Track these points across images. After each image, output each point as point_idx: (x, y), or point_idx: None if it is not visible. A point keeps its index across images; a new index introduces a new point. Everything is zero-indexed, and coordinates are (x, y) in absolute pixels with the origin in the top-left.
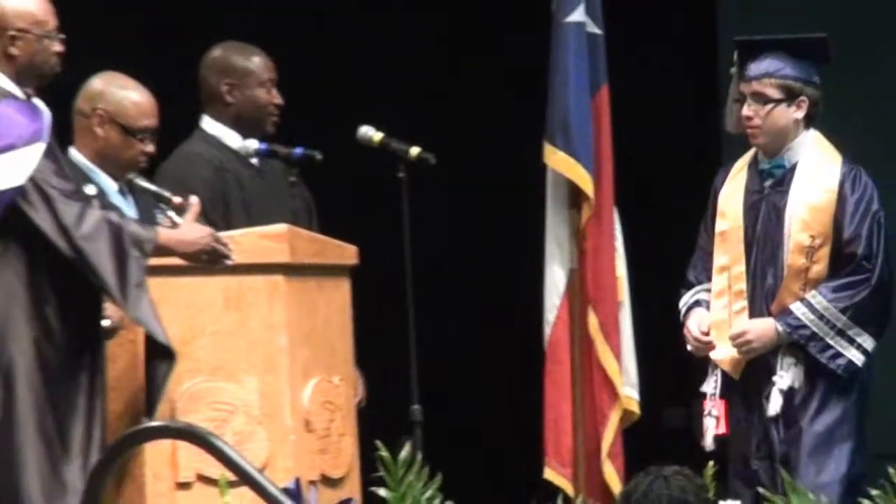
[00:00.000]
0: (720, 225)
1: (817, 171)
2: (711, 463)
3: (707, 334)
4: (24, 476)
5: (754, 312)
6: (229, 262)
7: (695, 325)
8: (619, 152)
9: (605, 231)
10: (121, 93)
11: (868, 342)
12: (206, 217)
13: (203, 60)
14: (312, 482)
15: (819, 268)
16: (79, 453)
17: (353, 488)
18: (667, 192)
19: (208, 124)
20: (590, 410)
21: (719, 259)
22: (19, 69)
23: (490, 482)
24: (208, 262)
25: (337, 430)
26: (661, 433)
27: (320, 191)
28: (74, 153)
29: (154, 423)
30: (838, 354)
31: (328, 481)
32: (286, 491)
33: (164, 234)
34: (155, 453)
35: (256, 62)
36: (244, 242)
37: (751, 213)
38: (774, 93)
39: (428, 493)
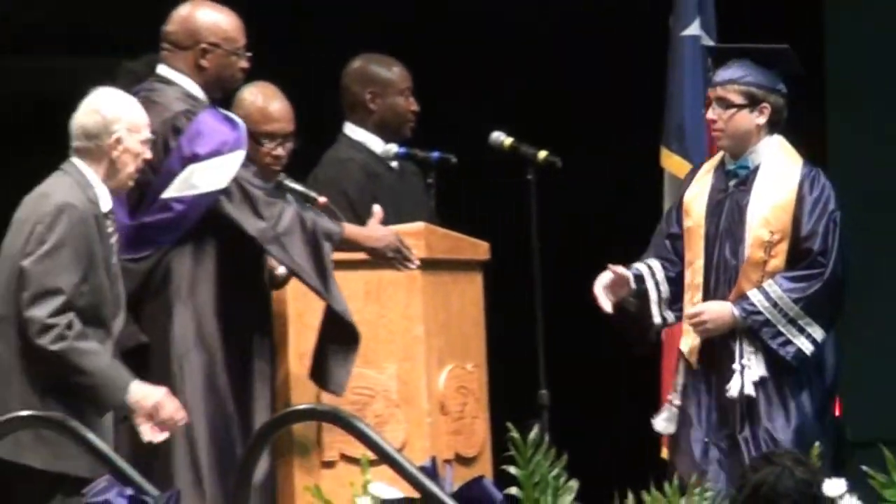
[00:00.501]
0: (685, 222)
1: (779, 172)
2: (817, 444)
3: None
4: (200, 455)
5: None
6: (412, 266)
7: (598, 281)
8: None
9: None
10: (249, 99)
11: (818, 333)
12: (357, 217)
13: (346, 71)
14: (447, 461)
15: (776, 262)
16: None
17: (484, 467)
18: None
19: (351, 130)
20: None
21: (686, 255)
22: (207, 80)
23: (612, 461)
24: (392, 259)
25: (470, 412)
26: None
27: (456, 192)
28: None
29: (301, 407)
30: (788, 342)
31: (462, 460)
32: (423, 469)
33: (350, 228)
34: (302, 435)
35: (396, 72)
36: None
37: (715, 211)
38: (737, 98)
39: (555, 472)
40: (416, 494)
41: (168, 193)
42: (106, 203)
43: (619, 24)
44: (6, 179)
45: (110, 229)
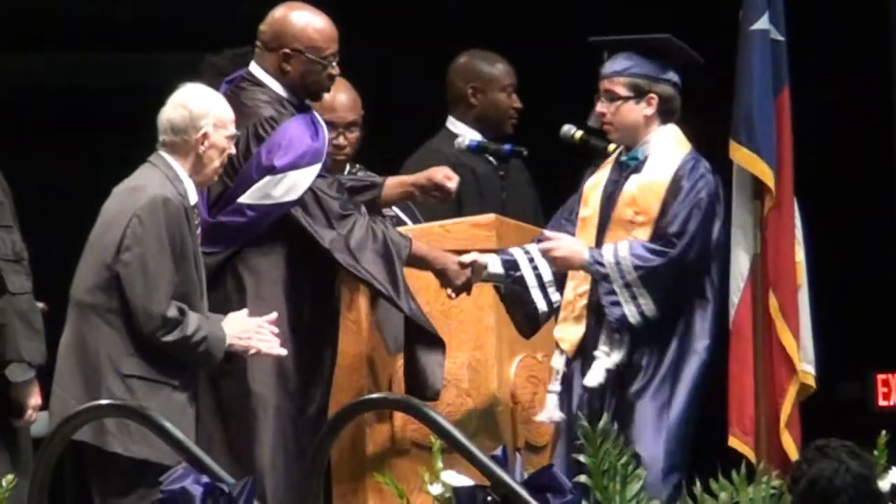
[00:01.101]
0: (582, 211)
1: (662, 160)
2: (884, 432)
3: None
4: (263, 452)
5: (595, 294)
6: (467, 293)
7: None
8: (801, 148)
9: (785, 220)
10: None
11: (649, 308)
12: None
13: (451, 66)
14: (518, 449)
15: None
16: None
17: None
18: (843, 185)
19: (452, 124)
20: (770, 384)
21: None
22: (292, 84)
23: None
24: (449, 281)
25: (540, 401)
26: (834, 405)
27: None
28: None
29: (374, 396)
30: (617, 304)
31: (532, 448)
32: (493, 458)
33: (419, 245)
34: (374, 423)
35: (500, 69)
36: (455, 231)
37: (607, 203)
38: (622, 90)
39: (623, 459)
40: (486, 482)
41: (243, 199)
42: (193, 196)
43: (689, 18)
44: (92, 170)
45: (196, 221)
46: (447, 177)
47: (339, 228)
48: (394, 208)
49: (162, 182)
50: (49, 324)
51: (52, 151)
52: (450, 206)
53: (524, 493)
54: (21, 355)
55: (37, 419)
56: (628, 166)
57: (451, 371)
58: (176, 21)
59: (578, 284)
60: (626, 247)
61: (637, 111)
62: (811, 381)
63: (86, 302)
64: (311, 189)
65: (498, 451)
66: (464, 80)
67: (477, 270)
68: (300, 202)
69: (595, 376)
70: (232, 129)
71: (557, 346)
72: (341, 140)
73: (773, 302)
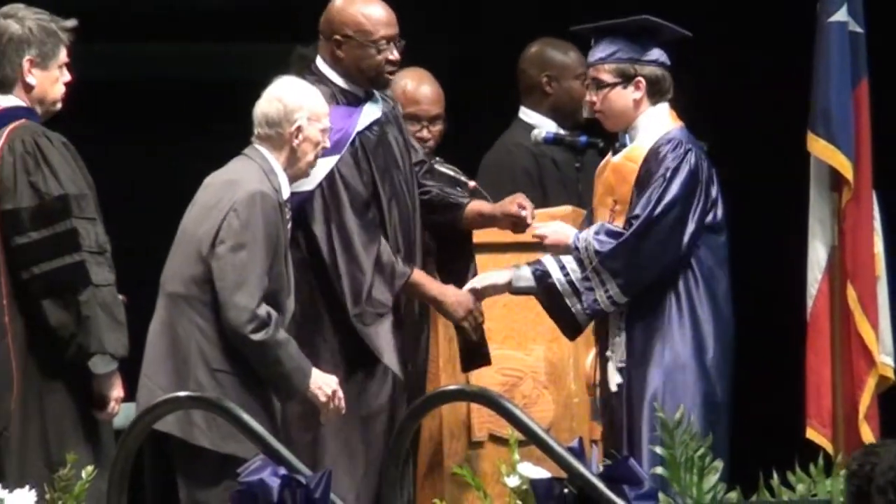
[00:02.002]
0: (593, 204)
1: (643, 143)
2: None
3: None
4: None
5: None
6: (473, 337)
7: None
8: (879, 139)
9: (863, 212)
10: (399, 83)
11: (616, 293)
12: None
13: (523, 55)
14: (594, 441)
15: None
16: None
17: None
18: None
19: (525, 114)
20: (848, 376)
21: None
22: (347, 71)
23: (756, 440)
24: (447, 314)
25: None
26: None
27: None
28: None
29: (451, 387)
30: (590, 289)
31: None
32: (570, 450)
33: (420, 274)
34: (452, 415)
35: (573, 57)
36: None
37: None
38: (609, 77)
39: (700, 451)
40: (563, 474)
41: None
42: (286, 191)
43: (771, 10)
44: (190, 162)
45: (288, 216)
46: (521, 205)
47: (333, 230)
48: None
49: (259, 176)
50: (129, 315)
51: (138, 143)
52: (534, 196)
53: (601, 484)
54: (104, 347)
55: (119, 411)
56: (619, 152)
57: (528, 363)
58: (266, 12)
59: None
60: (591, 230)
61: (625, 96)
62: (890, 373)
63: (178, 293)
64: (331, 183)
65: (574, 443)
66: (537, 68)
67: (481, 293)
68: (321, 189)
69: (613, 379)
70: (326, 123)
71: None
72: (425, 133)
73: (851, 294)
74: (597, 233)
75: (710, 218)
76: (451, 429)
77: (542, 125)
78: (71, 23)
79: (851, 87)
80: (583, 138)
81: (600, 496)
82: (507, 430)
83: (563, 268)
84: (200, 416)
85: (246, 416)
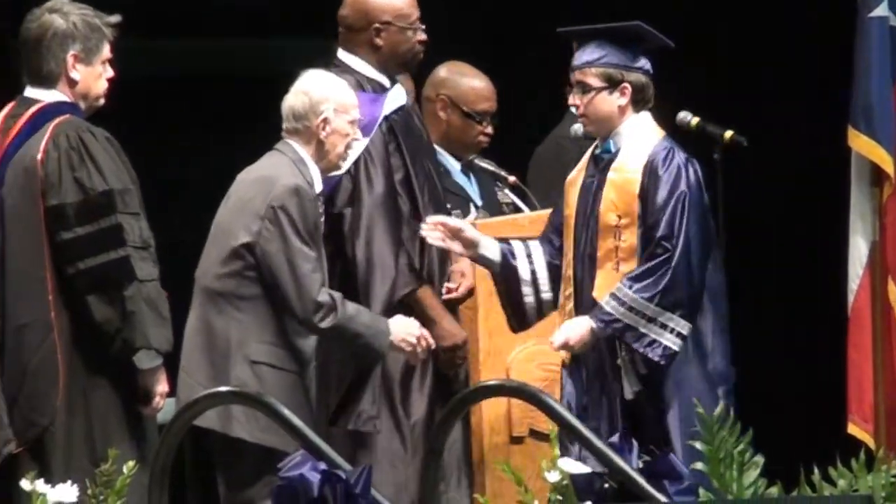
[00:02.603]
0: (565, 211)
1: (635, 152)
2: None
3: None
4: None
5: (580, 296)
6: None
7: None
8: None
9: None
10: (462, 80)
11: (682, 326)
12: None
13: None
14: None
15: (627, 246)
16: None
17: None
18: None
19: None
20: (889, 371)
21: (563, 244)
22: (384, 59)
23: (797, 437)
24: (443, 348)
25: None
26: None
27: None
28: None
29: (491, 382)
30: (654, 342)
31: None
32: (610, 444)
33: (425, 292)
34: (492, 410)
35: None
36: None
37: (583, 199)
38: (595, 81)
39: (740, 447)
40: (603, 469)
41: None
42: (318, 184)
43: (808, 5)
44: (223, 157)
45: (321, 210)
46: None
47: (352, 220)
48: (510, 195)
49: (292, 170)
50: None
51: (179, 138)
52: None
53: (641, 479)
54: (149, 342)
55: (164, 406)
56: (602, 159)
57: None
58: (301, 7)
59: (565, 287)
60: (624, 288)
61: (610, 101)
62: None
63: (214, 288)
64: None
65: (614, 438)
66: None
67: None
68: (349, 175)
69: (627, 387)
70: (355, 114)
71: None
72: (490, 129)
73: (892, 288)
74: (631, 286)
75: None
76: (492, 424)
77: None
78: (115, 18)
79: (893, 82)
80: None
81: (640, 491)
82: (548, 426)
83: (529, 255)
84: (239, 408)
85: (286, 411)
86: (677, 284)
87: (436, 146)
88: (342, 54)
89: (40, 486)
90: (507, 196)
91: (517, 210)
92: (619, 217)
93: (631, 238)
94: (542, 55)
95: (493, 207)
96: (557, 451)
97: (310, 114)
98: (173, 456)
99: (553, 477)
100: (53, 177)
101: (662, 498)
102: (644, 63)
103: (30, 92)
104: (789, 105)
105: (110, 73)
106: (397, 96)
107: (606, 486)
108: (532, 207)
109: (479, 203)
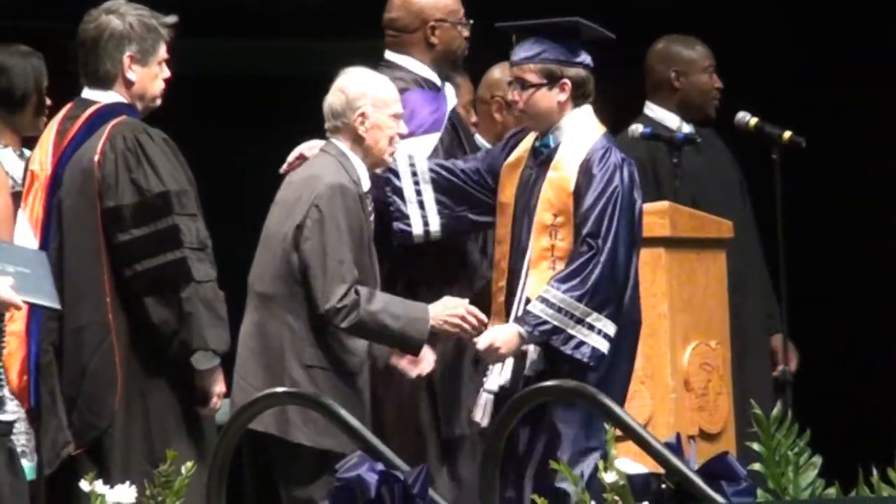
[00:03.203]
0: (500, 195)
1: (573, 149)
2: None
3: None
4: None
5: (511, 291)
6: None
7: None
8: None
9: None
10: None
11: (608, 327)
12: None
13: (650, 52)
14: (691, 437)
15: (564, 245)
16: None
17: (728, 442)
18: None
19: (650, 109)
20: None
21: (497, 230)
22: (437, 57)
23: (855, 435)
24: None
25: (714, 389)
26: None
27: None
28: (478, 138)
29: (548, 384)
30: (582, 343)
31: (706, 436)
32: (668, 445)
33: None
34: None
35: (699, 51)
36: None
37: (522, 191)
38: (534, 77)
39: (797, 448)
40: (660, 470)
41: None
42: (366, 182)
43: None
44: (260, 158)
45: (370, 208)
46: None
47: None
48: None
49: (336, 169)
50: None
51: (237, 138)
52: (648, 190)
53: (699, 480)
54: (206, 343)
55: (221, 407)
56: (541, 153)
57: None
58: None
59: (499, 278)
60: (552, 290)
61: (550, 98)
62: None
63: (266, 293)
64: (440, 151)
65: (672, 439)
66: (665, 64)
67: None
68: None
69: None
70: (396, 108)
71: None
72: None
73: None
74: (559, 287)
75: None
76: None
77: (667, 120)
78: (171, 19)
79: None
80: (680, 134)
81: (698, 492)
82: (604, 425)
83: (414, 174)
84: (296, 412)
85: (343, 412)
86: (604, 283)
87: (488, 147)
88: (391, 55)
89: (99, 486)
90: None
91: None
92: (555, 216)
93: (568, 237)
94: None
95: None
96: (614, 451)
97: (347, 110)
98: (231, 457)
99: (610, 477)
100: (110, 178)
101: (720, 499)
102: (584, 57)
103: (87, 93)
104: (850, 106)
105: (167, 73)
106: (451, 94)
107: (663, 486)
108: None
109: None
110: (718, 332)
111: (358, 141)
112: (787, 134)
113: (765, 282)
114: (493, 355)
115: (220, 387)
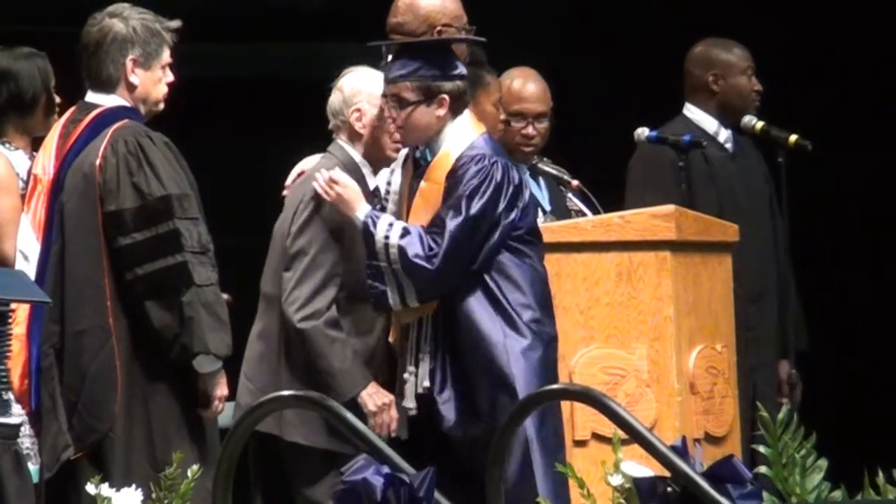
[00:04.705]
0: (389, 206)
1: (444, 160)
2: None
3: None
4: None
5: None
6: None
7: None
8: None
9: None
10: (506, 82)
11: (412, 299)
12: (667, 196)
13: (688, 56)
14: (697, 440)
15: None
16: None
17: (734, 446)
18: None
19: (690, 111)
20: None
21: None
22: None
23: (862, 437)
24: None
25: (719, 392)
26: None
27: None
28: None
29: (554, 386)
30: (381, 281)
31: (711, 439)
32: (673, 448)
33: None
34: None
35: (737, 53)
36: (635, 221)
37: (402, 203)
38: (411, 95)
39: (803, 451)
40: (666, 473)
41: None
42: (371, 180)
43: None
44: (271, 161)
45: (377, 207)
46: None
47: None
48: (573, 199)
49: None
50: (233, 315)
51: (239, 142)
52: (678, 191)
53: (705, 483)
54: (207, 347)
55: (223, 410)
56: (419, 165)
57: (631, 362)
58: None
59: None
60: (399, 232)
61: (429, 114)
62: None
63: (272, 294)
64: None
65: (677, 442)
66: (703, 68)
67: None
68: None
69: (409, 401)
70: None
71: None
72: (530, 130)
73: None
74: (404, 239)
75: (519, 231)
76: None
77: (705, 123)
78: (175, 23)
79: None
80: (686, 137)
81: (704, 495)
82: (610, 429)
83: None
84: (292, 412)
85: (349, 415)
86: (424, 275)
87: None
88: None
89: (105, 490)
90: (573, 201)
91: (581, 214)
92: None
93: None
94: (609, 56)
95: (561, 212)
96: (620, 455)
97: (344, 108)
98: (236, 460)
99: (616, 480)
100: (111, 182)
101: (725, 502)
102: (460, 69)
103: (90, 97)
104: (858, 110)
105: (170, 77)
106: None
107: (669, 490)
108: (595, 211)
109: (548, 208)
110: (724, 336)
111: (357, 138)
112: (794, 137)
113: (787, 300)
114: (332, 192)
115: (222, 390)
